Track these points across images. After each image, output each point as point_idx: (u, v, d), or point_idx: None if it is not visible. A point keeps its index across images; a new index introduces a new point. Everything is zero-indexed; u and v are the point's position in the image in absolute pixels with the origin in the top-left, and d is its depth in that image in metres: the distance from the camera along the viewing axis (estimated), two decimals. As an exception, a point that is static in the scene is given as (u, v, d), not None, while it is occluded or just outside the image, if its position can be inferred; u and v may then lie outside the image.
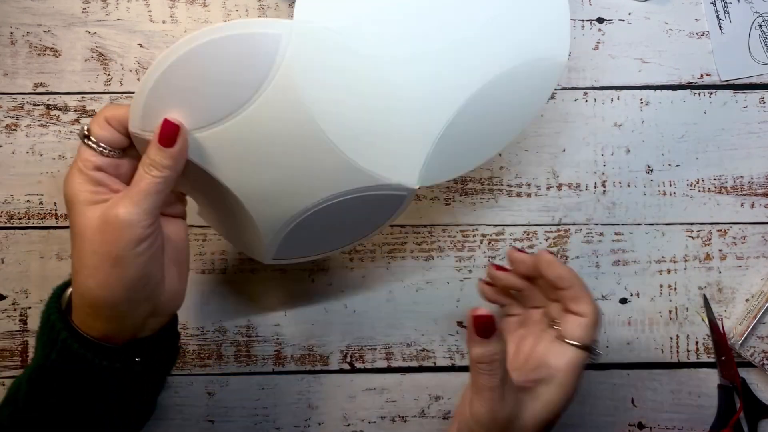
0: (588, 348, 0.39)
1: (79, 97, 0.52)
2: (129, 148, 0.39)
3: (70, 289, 0.39)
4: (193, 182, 0.40)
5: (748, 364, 0.53)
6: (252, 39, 0.35)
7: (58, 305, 0.38)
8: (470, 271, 0.53)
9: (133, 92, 0.52)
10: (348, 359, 0.53)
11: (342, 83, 0.37)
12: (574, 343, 0.39)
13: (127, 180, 0.39)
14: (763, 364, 0.52)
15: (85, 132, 0.38)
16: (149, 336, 0.40)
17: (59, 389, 0.37)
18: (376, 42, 0.37)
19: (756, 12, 0.54)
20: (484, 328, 0.35)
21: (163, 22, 0.53)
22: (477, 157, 0.43)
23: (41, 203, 0.52)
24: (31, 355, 0.52)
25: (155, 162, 0.37)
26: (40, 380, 0.37)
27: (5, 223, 0.52)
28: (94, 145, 0.37)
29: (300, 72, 0.35)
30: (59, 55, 0.52)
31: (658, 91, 0.54)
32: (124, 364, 0.38)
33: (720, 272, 0.53)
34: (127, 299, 0.37)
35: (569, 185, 0.53)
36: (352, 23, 0.36)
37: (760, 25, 0.54)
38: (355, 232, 0.44)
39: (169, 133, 0.37)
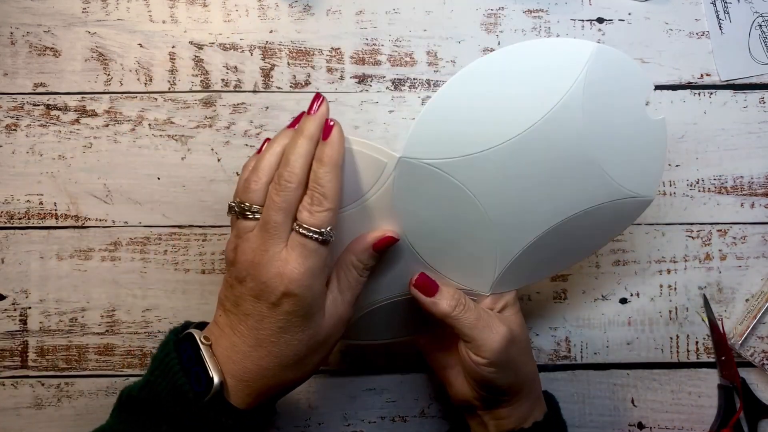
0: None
1: (79, 97, 0.52)
2: None
3: (216, 380, 0.36)
4: None
5: (748, 364, 0.53)
6: (364, 157, 0.40)
7: (205, 397, 0.36)
8: (470, 271, 0.53)
9: (133, 92, 0.52)
10: (348, 359, 0.53)
11: (431, 204, 0.41)
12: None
13: None
14: (763, 364, 0.52)
15: (329, 230, 0.37)
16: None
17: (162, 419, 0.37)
18: (470, 174, 0.40)
19: (756, 12, 0.54)
20: (427, 287, 0.41)
21: (163, 22, 0.53)
22: (545, 273, 0.45)
23: (41, 203, 0.52)
24: (30, 354, 0.52)
25: (366, 263, 0.40)
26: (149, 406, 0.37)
27: (5, 223, 0.52)
28: (326, 242, 0.37)
29: (397, 193, 0.40)
30: (59, 55, 0.52)
31: (657, 91, 0.54)
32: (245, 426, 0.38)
33: (720, 272, 0.53)
34: (303, 381, 0.40)
35: (569, 185, 0.53)
36: (450, 161, 0.40)
37: (760, 25, 0.54)
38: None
39: (388, 242, 0.40)
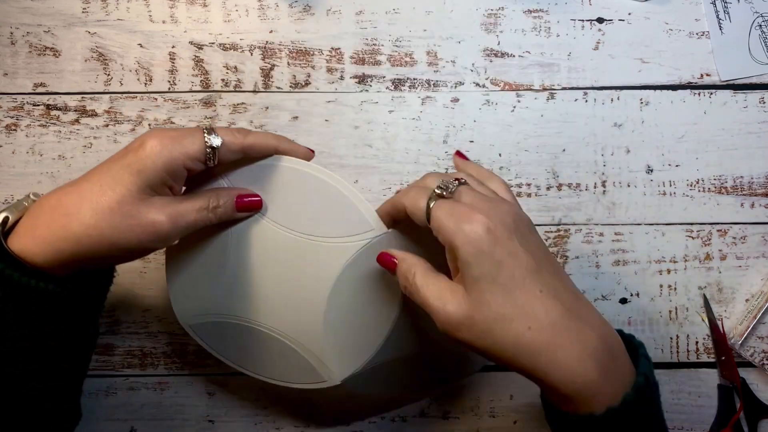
0: (430, 197, 0.37)
1: (79, 97, 0.52)
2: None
3: (4, 215, 0.37)
4: None
5: (748, 364, 0.53)
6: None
7: None
8: (470, 271, 0.53)
9: (133, 92, 0.52)
10: (348, 359, 0.53)
11: None
12: (422, 217, 0.38)
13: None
14: (763, 364, 0.52)
15: (214, 137, 0.39)
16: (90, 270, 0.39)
17: None
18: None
19: (756, 12, 0.54)
20: (386, 262, 0.39)
21: (163, 22, 0.53)
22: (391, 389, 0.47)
23: (41, 203, 0.52)
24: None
25: (220, 207, 0.40)
26: None
27: (5, 223, 0.52)
28: (209, 150, 0.39)
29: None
30: (59, 55, 0.52)
31: (658, 91, 0.54)
32: (62, 288, 0.37)
33: (720, 272, 0.53)
34: (86, 255, 0.36)
35: (569, 185, 0.53)
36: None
37: (760, 25, 0.54)
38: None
39: (253, 205, 0.42)
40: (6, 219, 0.37)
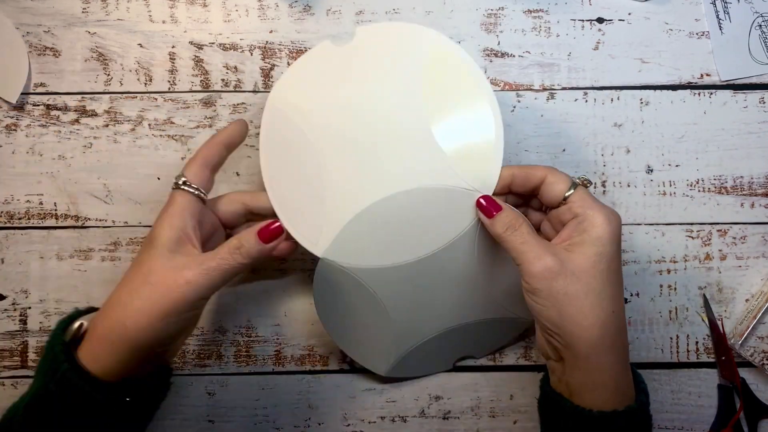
0: (576, 184, 0.43)
1: (79, 97, 0.52)
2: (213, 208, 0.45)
3: (78, 323, 0.40)
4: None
5: (748, 364, 0.53)
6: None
7: (63, 338, 0.39)
8: (470, 271, 0.53)
9: (133, 92, 0.52)
10: (348, 359, 0.53)
11: (342, 295, 0.48)
12: (567, 194, 0.43)
13: (204, 236, 0.43)
14: (763, 364, 0.52)
15: (183, 180, 0.42)
16: (144, 376, 0.41)
17: (54, 419, 0.38)
18: (378, 281, 0.47)
19: (756, 12, 0.54)
20: (488, 208, 0.43)
21: (163, 22, 0.53)
22: (440, 368, 0.53)
23: (41, 203, 0.52)
24: (30, 355, 0.52)
25: (243, 247, 0.41)
26: (37, 408, 0.38)
27: (5, 223, 0.52)
28: (192, 189, 0.42)
29: (317, 284, 0.47)
30: (59, 55, 0.52)
31: (658, 91, 0.54)
32: (117, 400, 0.39)
33: (720, 272, 0.53)
34: (152, 347, 0.39)
35: (569, 185, 0.53)
36: (363, 268, 0.46)
37: (760, 25, 0.54)
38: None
39: (274, 233, 0.43)
40: (81, 325, 0.40)
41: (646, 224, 0.53)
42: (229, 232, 0.47)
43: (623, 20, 0.54)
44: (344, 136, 0.45)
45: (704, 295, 0.53)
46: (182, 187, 0.42)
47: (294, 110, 0.46)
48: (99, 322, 0.39)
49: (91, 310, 0.42)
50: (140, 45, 0.53)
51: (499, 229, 0.42)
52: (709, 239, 0.53)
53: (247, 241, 0.41)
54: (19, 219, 0.52)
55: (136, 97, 0.52)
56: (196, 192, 0.43)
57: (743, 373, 0.52)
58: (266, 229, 0.42)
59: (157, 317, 0.38)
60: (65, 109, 0.52)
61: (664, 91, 0.54)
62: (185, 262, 0.39)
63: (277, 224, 0.43)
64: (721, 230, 0.53)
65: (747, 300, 0.53)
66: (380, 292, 0.47)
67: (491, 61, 0.53)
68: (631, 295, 0.53)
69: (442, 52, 0.46)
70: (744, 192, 0.53)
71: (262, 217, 0.45)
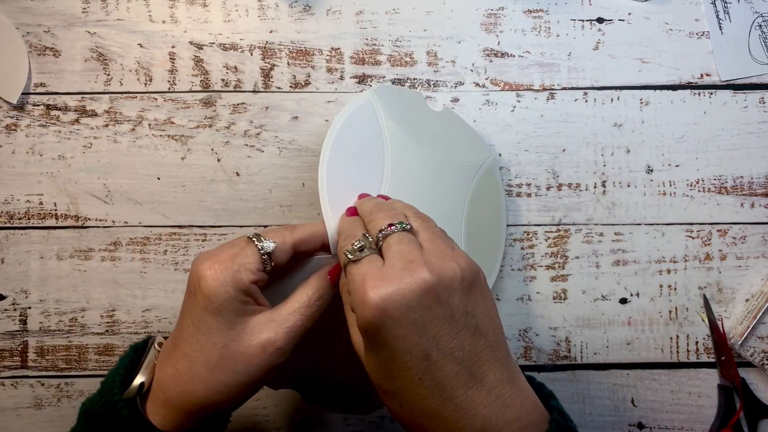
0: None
1: (79, 97, 0.52)
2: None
3: (138, 381, 0.38)
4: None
5: (748, 364, 0.53)
6: None
7: (123, 394, 0.37)
8: (470, 271, 0.53)
9: (133, 92, 0.52)
10: (348, 359, 0.53)
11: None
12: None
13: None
14: (763, 364, 0.52)
15: (260, 238, 0.37)
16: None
17: None
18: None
19: (756, 12, 0.54)
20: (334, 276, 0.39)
21: (163, 22, 0.53)
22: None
23: (41, 203, 0.52)
24: (30, 355, 0.52)
25: (322, 297, 0.37)
26: None
27: (5, 223, 0.52)
28: (265, 257, 0.37)
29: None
30: (59, 55, 0.52)
31: (658, 91, 0.54)
32: None
33: (720, 272, 0.53)
34: (222, 406, 0.37)
35: (569, 185, 0.53)
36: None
37: (760, 25, 0.54)
38: None
39: (339, 270, 0.38)
40: (142, 384, 0.38)
41: (646, 224, 0.53)
42: None
43: (623, 20, 0.54)
44: (407, 167, 0.46)
45: (704, 295, 0.53)
46: (258, 245, 0.37)
47: (385, 114, 0.46)
48: (171, 391, 0.37)
49: (139, 351, 0.40)
50: (140, 45, 0.53)
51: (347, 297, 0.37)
52: (709, 239, 0.53)
53: (322, 288, 0.38)
54: (19, 219, 0.52)
55: (136, 97, 0.52)
56: (265, 257, 0.37)
57: (743, 373, 0.52)
58: (337, 269, 0.39)
59: (245, 386, 0.36)
60: (65, 109, 0.52)
61: (664, 91, 0.54)
62: (261, 324, 0.36)
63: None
64: (721, 230, 0.53)
65: (747, 300, 0.53)
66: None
67: (491, 61, 0.53)
68: (631, 295, 0.53)
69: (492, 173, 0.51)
70: (744, 192, 0.53)
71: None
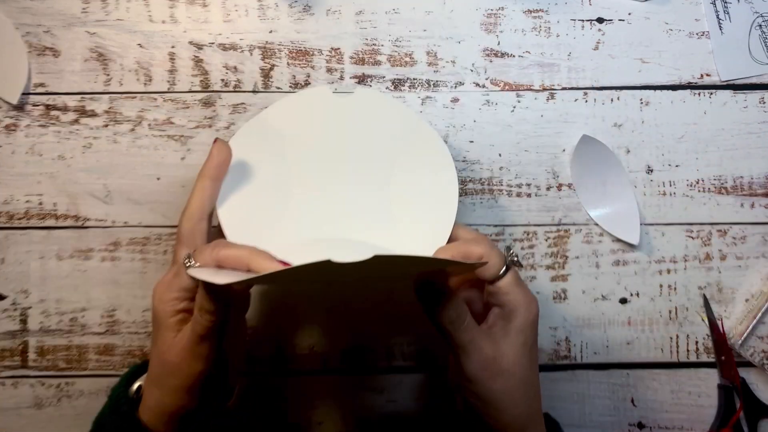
0: (507, 264, 0.41)
1: (78, 97, 0.52)
2: None
3: (136, 385, 0.42)
4: None
5: (748, 364, 0.53)
6: None
7: (128, 395, 0.41)
8: (470, 271, 0.53)
9: (133, 92, 0.52)
10: (348, 359, 0.53)
11: None
12: (500, 273, 0.41)
13: None
14: (763, 364, 0.52)
15: (190, 259, 0.39)
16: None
17: None
18: None
19: (756, 12, 0.54)
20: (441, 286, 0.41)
21: (163, 22, 0.53)
22: None
23: (41, 203, 0.52)
24: (30, 355, 0.52)
25: (206, 306, 0.38)
26: None
27: (5, 223, 0.52)
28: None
29: None
30: (59, 55, 0.52)
31: (658, 91, 0.54)
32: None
33: (720, 272, 0.53)
34: (194, 402, 0.40)
35: (569, 185, 0.53)
36: None
37: (760, 25, 0.54)
38: None
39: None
40: (140, 387, 0.42)
41: (646, 224, 0.53)
42: None
43: (623, 20, 0.54)
44: (312, 174, 0.46)
45: (704, 295, 0.53)
46: (186, 263, 0.39)
47: (277, 133, 0.46)
48: (152, 396, 0.41)
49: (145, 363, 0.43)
50: (140, 45, 0.53)
51: (445, 322, 0.40)
52: (709, 239, 0.53)
53: (200, 297, 0.38)
54: (19, 219, 0.52)
55: (136, 97, 0.52)
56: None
57: (743, 373, 0.52)
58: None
59: (186, 390, 0.39)
60: (65, 109, 0.52)
61: (664, 91, 0.54)
62: (181, 338, 0.39)
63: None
64: (721, 230, 0.53)
65: (747, 300, 0.53)
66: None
67: (491, 61, 0.53)
68: (631, 295, 0.53)
69: (414, 129, 0.47)
70: (744, 192, 0.53)
71: None
